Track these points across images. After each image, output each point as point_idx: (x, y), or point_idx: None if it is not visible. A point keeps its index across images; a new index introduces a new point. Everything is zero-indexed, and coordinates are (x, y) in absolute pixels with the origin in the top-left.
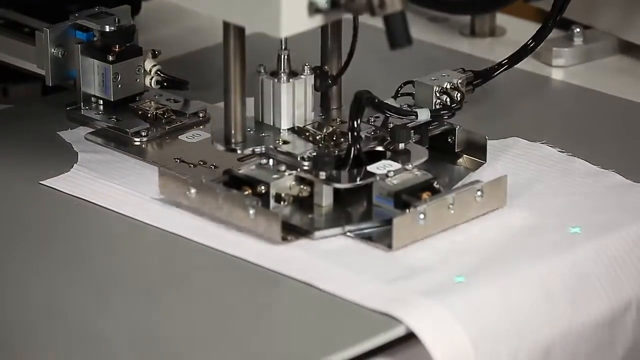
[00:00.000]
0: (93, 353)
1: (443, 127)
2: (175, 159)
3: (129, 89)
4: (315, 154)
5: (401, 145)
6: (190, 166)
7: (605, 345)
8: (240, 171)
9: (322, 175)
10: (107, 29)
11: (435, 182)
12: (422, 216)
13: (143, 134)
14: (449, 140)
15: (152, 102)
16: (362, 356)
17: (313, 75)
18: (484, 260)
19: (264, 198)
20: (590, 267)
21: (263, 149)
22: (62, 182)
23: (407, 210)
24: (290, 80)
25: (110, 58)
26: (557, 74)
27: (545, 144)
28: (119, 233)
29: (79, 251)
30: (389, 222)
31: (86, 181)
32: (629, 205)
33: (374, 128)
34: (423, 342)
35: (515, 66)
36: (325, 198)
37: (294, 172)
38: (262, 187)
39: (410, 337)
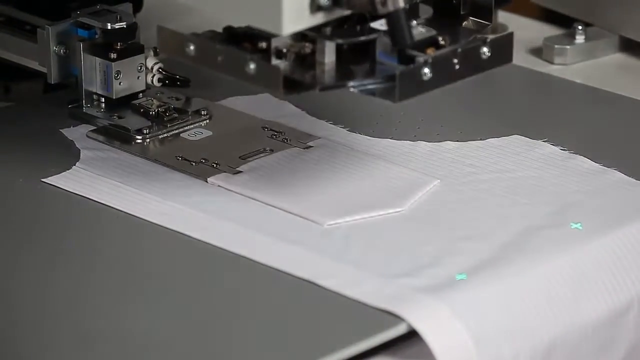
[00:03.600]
0: (92, 351)
1: None
2: (177, 156)
3: (131, 86)
4: None
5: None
6: (192, 164)
7: (607, 343)
8: (241, 26)
9: (325, 31)
10: (109, 26)
11: (440, 39)
12: (426, 70)
13: (145, 131)
14: (454, 1)
15: (153, 99)
16: (363, 354)
17: None
18: (486, 258)
19: (264, 54)
20: (592, 266)
21: None
22: (64, 180)
23: (412, 65)
24: None
25: (112, 56)
26: (558, 72)
27: (546, 142)
28: (121, 231)
29: (80, 249)
30: (392, 78)
31: (88, 179)
32: (631, 204)
33: None
34: (425, 340)
35: (517, 64)
36: (328, 55)
37: None
38: (263, 43)
39: (412, 335)
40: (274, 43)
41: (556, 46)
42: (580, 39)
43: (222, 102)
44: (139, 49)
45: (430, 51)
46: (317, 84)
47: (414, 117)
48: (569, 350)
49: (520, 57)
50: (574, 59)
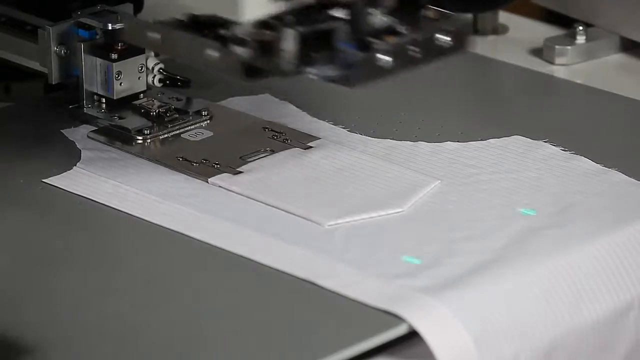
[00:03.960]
0: (93, 351)
1: None
2: (177, 157)
3: (132, 87)
4: None
5: None
6: (193, 164)
7: (607, 344)
8: (204, 14)
9: (287, 19)
10: (110, 27)
11: (400, 27)
12: (385, 57)
13: (145, 132)
14: None
15: (154, 100)
16: (364, 354)
17: None
18: (487, 258)
19: (226, 42)
20: (592, 266)
21: None
22: (64, 180)
23: (370, 52)
24: None
25: (113, 56)
26: (559, 72)
27: (547, 142)
28: (121, 231)
29: (81, 249)
30: (351, 65)
31: (89, 179)
32: (631, 204)
33: None
34: (426, 340)
35: (517, 64)
36: (289, 42)
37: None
38: (225, 30)
39: (412, 336)
40: (236, 30)
41: (557, 46)
42: (581, 39)
43: (222, 102)
44: (140, 50)
45: (390, 39)
46: (277, 71)
47: (414, 117)
48: (569, 350)
49: (521, 58)
50: (575, 59)
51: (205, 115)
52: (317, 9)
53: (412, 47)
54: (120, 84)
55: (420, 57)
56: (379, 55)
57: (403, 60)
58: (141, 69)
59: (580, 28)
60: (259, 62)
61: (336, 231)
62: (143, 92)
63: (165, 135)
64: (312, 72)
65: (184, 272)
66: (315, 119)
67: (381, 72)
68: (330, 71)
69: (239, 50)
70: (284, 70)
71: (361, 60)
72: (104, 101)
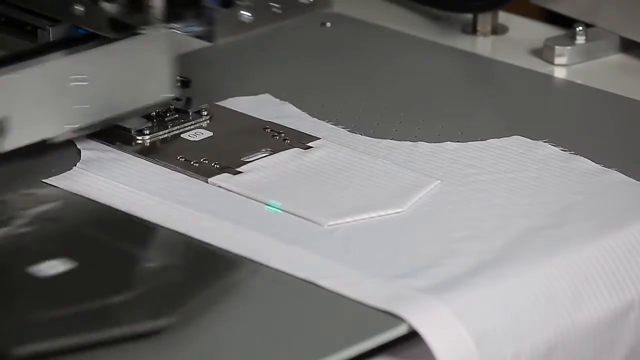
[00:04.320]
0: (93, 350)
1: None
2: (177, 157)
3: None
4: None
5: None
6: (193, 164)
7: (608, 344)
8: None
9: None
10: None
11: None
12: (245, 12)
13: (146, 132)
14: None
15: None
16: (364, 355)
17: None
18: (487, 258)
19: None
20: (592, 267)
21: None
22: (64, 180)
23: (231, 8)
24: None
25: None
26: (559, 73)
27: (547, 142)
28: (121, 231)
29: (81, 250)
30: (215, 21)
31: (88, 179)
32: (631, 204)
33: None
34: (426, 341)
35: (517, 64)
36: None
37: None
38: None
39: (412, 336)
40: None
41: (557, 47)
42: (580, 39)
43: (222, 102)
44: None
45: None
46: (144, 27)
47: (414, 117)
48: (569, 350)
49: (521, 58)
50: (575, 59)
51: (205, 115)
52: None
53: (273, 4)
54: None
55: (280, 14)
56: (241, 12)
57: (264, 17)
58: None
59: (580, 28)
60: (126, 18)
61: (336, 231)
62: None
63: (165, 135)
64: (178, 28)
65: (182, 272)
66: (315, 119)
67: (243, 27)
68: (195, 27)
69: (107, 6)
70: (151, 25)
71: (223, 16)
72: None
